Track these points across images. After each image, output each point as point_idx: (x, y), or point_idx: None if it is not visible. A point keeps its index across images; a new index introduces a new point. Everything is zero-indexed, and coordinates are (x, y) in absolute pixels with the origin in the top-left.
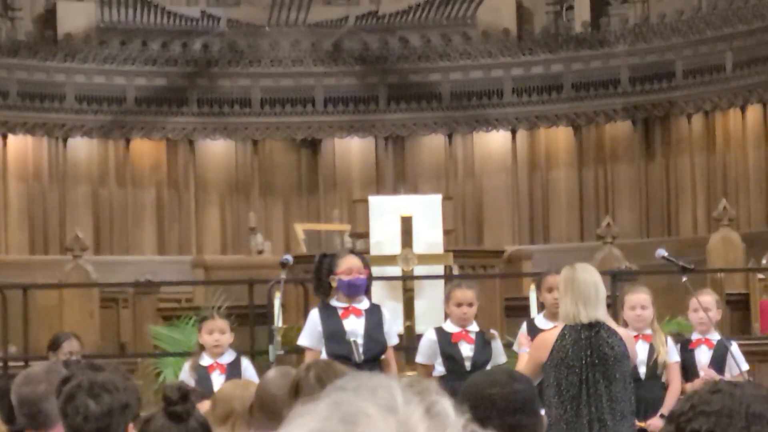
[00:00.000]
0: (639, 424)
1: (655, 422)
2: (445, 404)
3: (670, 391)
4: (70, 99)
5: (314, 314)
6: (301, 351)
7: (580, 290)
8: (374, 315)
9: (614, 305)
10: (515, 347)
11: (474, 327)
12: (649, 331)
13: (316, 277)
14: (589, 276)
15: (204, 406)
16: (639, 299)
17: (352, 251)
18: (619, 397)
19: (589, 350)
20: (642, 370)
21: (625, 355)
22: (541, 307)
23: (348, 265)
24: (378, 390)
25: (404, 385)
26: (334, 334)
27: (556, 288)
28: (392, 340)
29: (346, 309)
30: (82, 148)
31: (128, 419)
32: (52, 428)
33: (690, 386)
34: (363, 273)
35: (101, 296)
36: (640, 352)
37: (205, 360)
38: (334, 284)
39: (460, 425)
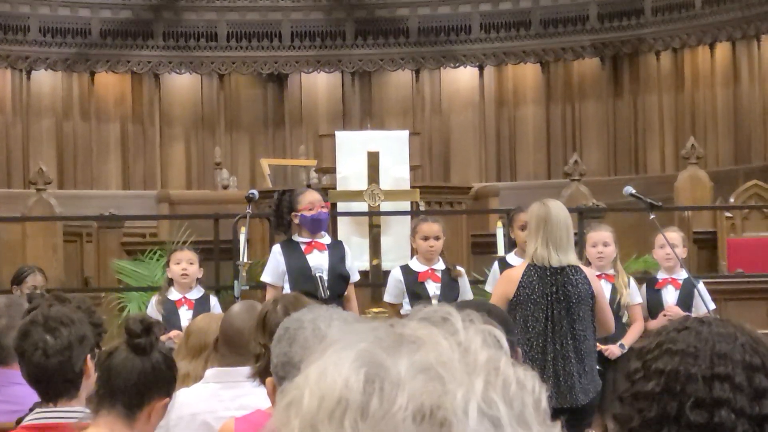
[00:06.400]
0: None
1: (613, 348)
2: (497, 332)
3: (633, 327)
4: (34, 31)
5: (276, 250)
6: (265, 287)
7: (553, 233)
8: (337, 250)
9: (580, 243)
10: (488, 287)
11: (440, 265)
12: (611, 271)
13: (277, 215)
14: (563, 217)
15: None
16: (601, 236)
17: (309, 186)
18: (583, 335)
19: (554, 287)
20: None
21: (589, 294)
22: (512, 244)
23: (309, 200)
24: (435, 312)
25: (456, 311)
26: (298, 269)
27: None
28: (354, 276)
29: (309, 244)
30: (46, 81)
31: (86, 351)
32: (14, 362)
33: (654, 323)
34: (325, 207)
35: (65, 230)
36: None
37: (174, 294)
38: (296, 221)
39: (507, 350)
